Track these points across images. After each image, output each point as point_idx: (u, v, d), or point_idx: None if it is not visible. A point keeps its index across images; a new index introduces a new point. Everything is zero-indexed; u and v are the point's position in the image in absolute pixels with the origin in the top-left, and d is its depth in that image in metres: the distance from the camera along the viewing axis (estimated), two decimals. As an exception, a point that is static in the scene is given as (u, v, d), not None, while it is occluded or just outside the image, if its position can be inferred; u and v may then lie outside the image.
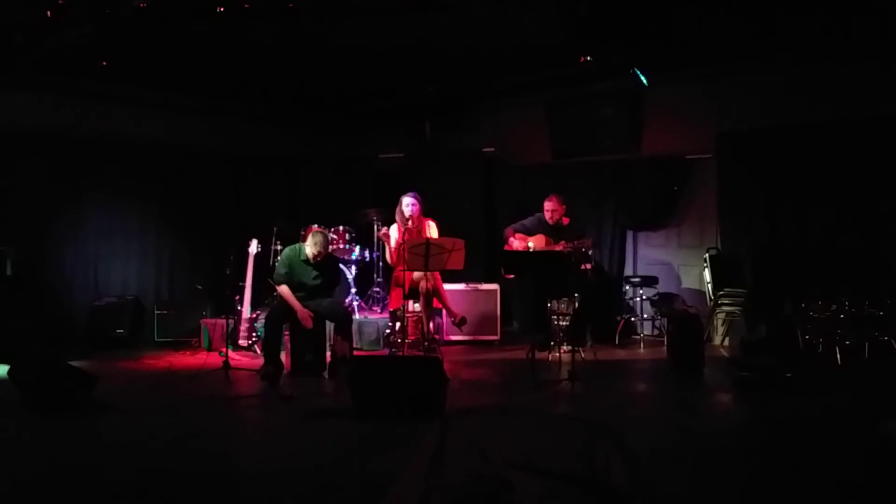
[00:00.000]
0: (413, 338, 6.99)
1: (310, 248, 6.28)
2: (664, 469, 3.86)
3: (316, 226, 7.38)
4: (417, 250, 6.12)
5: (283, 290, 6.31)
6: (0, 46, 6.53)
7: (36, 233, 7.69)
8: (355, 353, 6.69)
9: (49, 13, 5.77)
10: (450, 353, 7.20)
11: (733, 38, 7.02)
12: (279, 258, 6.68)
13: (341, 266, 7.82)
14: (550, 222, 7.28)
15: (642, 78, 7.65)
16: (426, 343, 6.81)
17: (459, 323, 7.01)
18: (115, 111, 8.34)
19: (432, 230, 6.98)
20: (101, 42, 6.57)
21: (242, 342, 7.25)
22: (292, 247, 6.56)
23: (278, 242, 7.77)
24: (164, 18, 6.03)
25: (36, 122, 7.75)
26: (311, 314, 6.19)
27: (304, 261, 6.36)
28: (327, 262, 6.50)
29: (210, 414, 5.15)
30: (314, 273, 6.37)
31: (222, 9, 5.86)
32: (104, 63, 7.26)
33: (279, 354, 6.20)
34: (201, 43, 6.88)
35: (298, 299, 6.25)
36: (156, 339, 7.93)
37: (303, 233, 7.29)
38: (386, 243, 7.11)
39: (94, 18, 5.90)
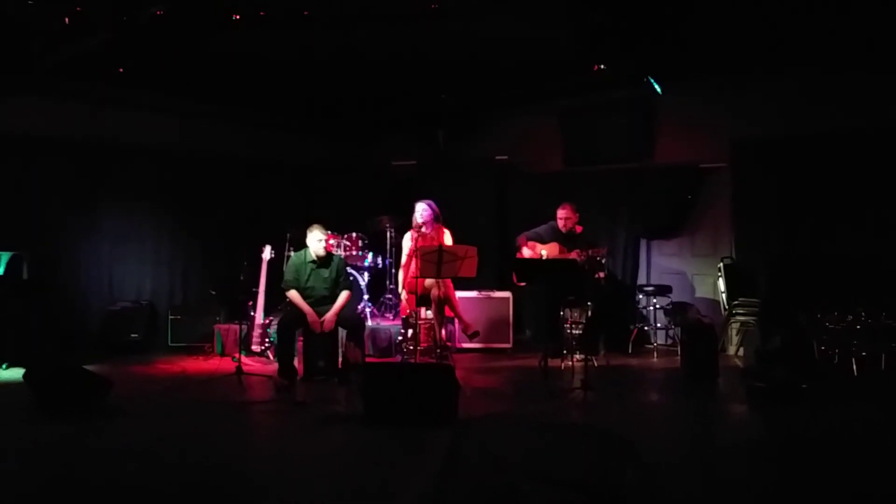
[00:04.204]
0: (425, 345, 6.99)
1: (314, 241, 6.31)
2: (677, 479, 3.84)
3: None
4: (430, 257, 6.11)
5: (293, 294, 6.33)
6: (19, 52, 6.61)
7: (52, 237, 7.75)
8: (367, 359, 6.69)
9: (67, 20, 5.83)
10: (462, 360, 7.19)
11: (748, 46, 6.99)
12: (286, 265, 6.70)
13: (353, 272, 7.84)
14: (563, 230, 7.27)
15: (656, 86, 7.63)
16: (438, 350, 6.80)
17: (472, 336, 6.99)
18: (131, 116, 8.40)
19: (447, 238, 6.97)
20: (118, 49, 6.63)
21: (255, 348, 7.26)
22: (297, 254, 6.59)
23: (291, 248, 7.79)
24: (181, 26, 6.07)
25: (53, 127, 7.82)
26: (322, 319, 6.20)
27: (311, 262, 6.38)
28: (335, 263, 6.51)
29: (222, 419, 5.16)
30: (322, 276, 6.39)
31: (238, 17, 5.91)
32: (121, 69, 7.33)
33: (293, 362, 6.22)
34: (217, 50, 6.92)
35: (309, 306, 6.27)
36: (169, 343, 7.97)
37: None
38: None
39: (112, 26, 5.96)
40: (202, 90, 8.48)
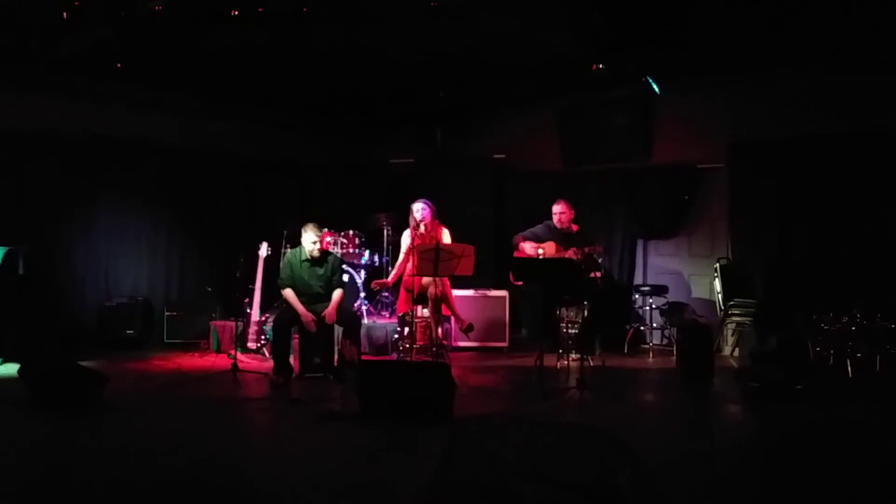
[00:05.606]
0: (421, 343, 6.99)
1: (308, 242, 6.31)
2: (672, 479, 3.84)
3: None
4: (427, 255, 6.11)
5: (288, 293, 6.33)
6: (16, 48, 6.59)
7: (48, 233, 7.72)
8: (363, 357, 6.69)
9: (64, 15, 5.81)
10: (458, 359, 7.19)
11: (746, 47, 7.00)
12: (282, 263, 6.69)
13: (350, 270, 7.84)
14: (559, 226, 7.27)
15: (654, 86, 7.63)
16: (434, 349, 6.80)
17: (466, 329, 6.99)
18: (128, 113, 8.36)
19: (445, 237, 6.97)
20: (115, 44, 6.61)
21: (251, 345, 7.26)
22: (293, 251, 6.59)
23: (288, 246, 7.79)
24: (179, 21, 6.06)
25: (50, 123, 7.78)
26: (315, 318, 6.19)
27: (305, 260, 6.38)
28: (330, 262, 6.50)
29: (218, 416, 5.15)
30: (317, 274, 6.38)
31: (236, 12, 5.89)
32: (118, 65, 7.31)
33: (288, 359, 6.21)
34: (215, 46, 6.91)
35: (304, 303, 6.26)
36: (165, 340, 7.96)
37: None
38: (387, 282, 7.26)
39: (109, 21, 5.94)
40: (199, 87, 8.46)
